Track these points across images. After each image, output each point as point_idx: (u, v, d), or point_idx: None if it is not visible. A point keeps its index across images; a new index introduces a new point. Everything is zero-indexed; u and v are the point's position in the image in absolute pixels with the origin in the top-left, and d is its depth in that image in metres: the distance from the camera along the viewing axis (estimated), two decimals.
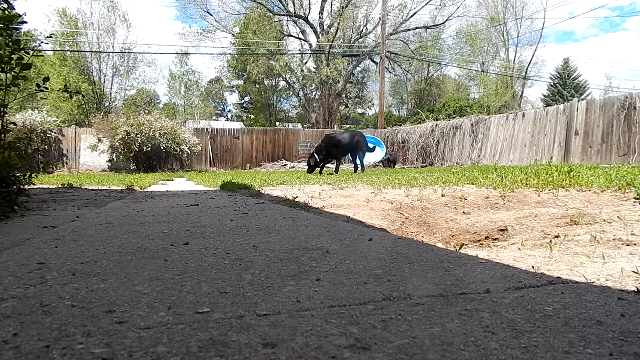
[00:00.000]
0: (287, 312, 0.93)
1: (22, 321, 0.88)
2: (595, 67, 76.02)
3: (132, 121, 13.92)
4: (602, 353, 0.73)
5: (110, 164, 15.45)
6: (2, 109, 3.15)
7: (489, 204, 3.15)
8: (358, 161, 9.86)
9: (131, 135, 13.58)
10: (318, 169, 9.80)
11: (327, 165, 10.30)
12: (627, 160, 8.32)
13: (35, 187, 4.61)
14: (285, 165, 16.84)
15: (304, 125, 33.89)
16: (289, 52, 30.57)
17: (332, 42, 27.53)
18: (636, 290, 1.08)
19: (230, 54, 33.38)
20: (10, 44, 3.04)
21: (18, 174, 3.18)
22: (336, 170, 10.00)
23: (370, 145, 10.65)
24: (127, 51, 28.79)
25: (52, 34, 5.23)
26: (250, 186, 5.45)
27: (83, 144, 15.95)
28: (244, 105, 45.99)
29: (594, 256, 1.47)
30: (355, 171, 9.68)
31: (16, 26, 3.15)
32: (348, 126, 32.33)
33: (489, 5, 34.05)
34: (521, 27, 34.21)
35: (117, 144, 13.67)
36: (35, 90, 3.32)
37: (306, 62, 32.80)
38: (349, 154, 10.37)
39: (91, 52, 27.44)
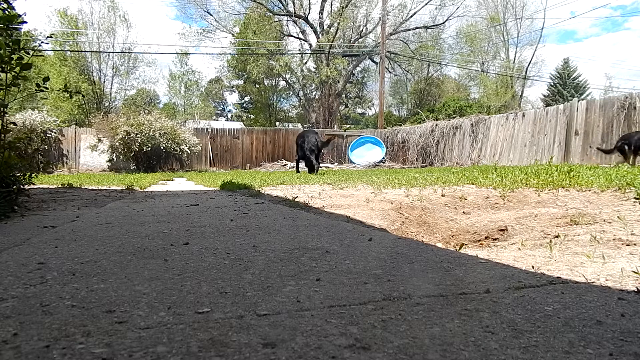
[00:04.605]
0: (287, 312, 0.93)
1: (22, 321, 0.88)
2: (595, 67, 76.07)
3: (132, 121, 13.91)
4: (602, 353, 0.73)
5: (110, 164, 15.44)
6: (2, 109, 3.15)
7: (489, 204, 3.15)
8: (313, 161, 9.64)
9: (131, 135, 13.57)
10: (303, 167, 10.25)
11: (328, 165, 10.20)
12: (627, 160, 8.31)
13: (35, 187, 4.61)
14: (285, 165, 16.83)
15: (304, 125, 33.86)
16: (289, 52, 30.58)
17: (332, 42, 27.52)
18: (636, 290, 1.08)
19: (230, 54, 33.40)
20: (10, 44, 3.04)
21: (18, 174, 3.18)
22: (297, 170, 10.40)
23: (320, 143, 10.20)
24: (127, 51, 28.81)
25: (53, 34, 5.22)
26: (250, 186, 5.45)
27: (83, 144, 15.93)
28: (244, 105, 45.98)
29: (594, 256, 1.47)
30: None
31: (16, 26, 3.15)
32: (348, 126, 32.26)
33: (489, 5, 34.08)
34: (521, 27, 34.24)
35: (117, 144, 13.66)
36: (35, 90, 3.32)
37: (306, 62, 32.81)
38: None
39: (91, 52, 27.47)
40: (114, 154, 14.57)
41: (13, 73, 3.07)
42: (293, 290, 1.10)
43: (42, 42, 3.64)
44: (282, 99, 42.63)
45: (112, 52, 28.29)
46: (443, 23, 30.44)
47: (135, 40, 44.99)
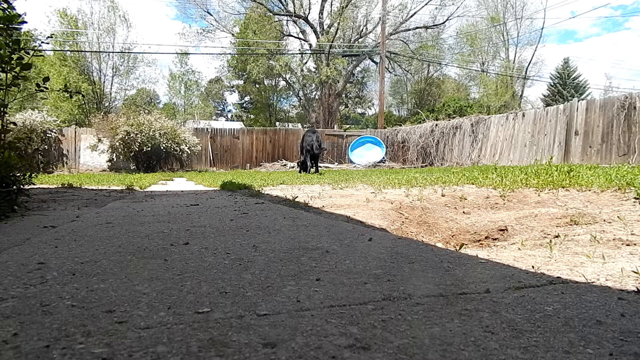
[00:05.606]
0: (287, 312, 0.93)
1: (22, 321, 0.88)
2: (595, 66, 75.99)
3: (132, 121, 13.90)
4: (602, 353, 0.73)
5: (110, 164, 15.44)
6: (2, 109, 3.15)
7: (489, 204, 3.15)
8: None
9: (131, 135, 13.57)
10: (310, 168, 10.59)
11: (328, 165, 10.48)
12: (627, 160, 8.32)
13: (35, 187, 4.60)
14: (285, 165, 16.82)
15: (304, 125, 33.87)
16: (289, 52, 30.56)
17: (332, 42, 27.51)
18: (636, 290, 1.08)
19: (230, 54, 33.38)
20: (10, 44, 3.04)
21: (18, 174, 3.18)
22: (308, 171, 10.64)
23: (323, 145, 11.14)
24: (127, 51, 28.79)
25: (53, 34, 5.22)
26: (250, 186, 5.45)
27: (83, 144, 15.93)
28: (244, 105, 45.98)
29: (594, 256, 1.47)
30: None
31: (16, 26, 3.15)
32: (348, 126, 32.28)
33: (489, 5, 34.03)
34: (521, 27, 34.20)
35: (117, 144, 13.66)
36: (35, 90, 3.32)
37: (306, 62, 32.80)
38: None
39: (91, 52, 27.45)
40: (114, 154, 14.56)
41: (13, 73, 3.07)
42: (293, 290, 1.10)
43: (42, 42, 3.64)
44: (282, 99, 42.65)
45: (112, 52, 28.28)
46: (443, 23, 30.41)
47: (135, 40, 44.97)
